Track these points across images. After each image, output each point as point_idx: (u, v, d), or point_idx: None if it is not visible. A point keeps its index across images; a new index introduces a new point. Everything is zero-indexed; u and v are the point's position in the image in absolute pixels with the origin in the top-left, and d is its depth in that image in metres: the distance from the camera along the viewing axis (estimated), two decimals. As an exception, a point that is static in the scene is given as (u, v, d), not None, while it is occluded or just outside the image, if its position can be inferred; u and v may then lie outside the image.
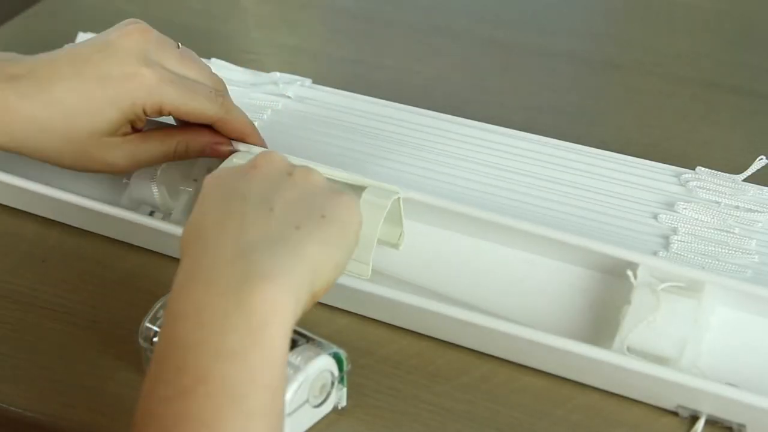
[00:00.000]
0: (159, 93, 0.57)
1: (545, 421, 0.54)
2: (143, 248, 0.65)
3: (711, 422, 0.53)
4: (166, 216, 0.63)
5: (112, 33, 0.59)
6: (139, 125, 0.60)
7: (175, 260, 0.55)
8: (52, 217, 0.68)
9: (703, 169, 0.66)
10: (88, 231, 0.67)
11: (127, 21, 0.61)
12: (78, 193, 0.64)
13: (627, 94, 0.80)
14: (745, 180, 0.65)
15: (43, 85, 0.57)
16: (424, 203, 0.60)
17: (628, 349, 0.53)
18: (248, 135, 0.62)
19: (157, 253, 0.65)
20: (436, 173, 0.67)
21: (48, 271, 0.65)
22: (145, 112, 0.58)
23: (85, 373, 0.58)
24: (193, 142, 0.61)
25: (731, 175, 0.65)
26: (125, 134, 0.59)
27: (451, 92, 0.80)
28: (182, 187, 0.63)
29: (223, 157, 0.61)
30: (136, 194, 0.64)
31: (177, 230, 0.61)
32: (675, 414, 0.54)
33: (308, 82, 0.77)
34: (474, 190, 0.66)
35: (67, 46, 0.61)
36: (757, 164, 0.65)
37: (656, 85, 0.80)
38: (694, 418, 0.53)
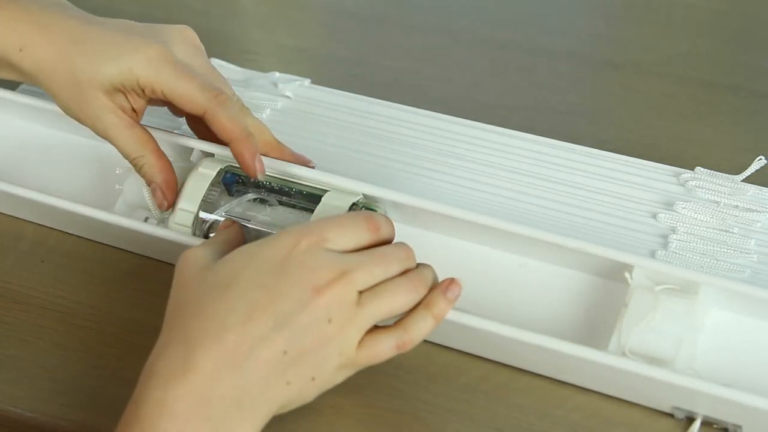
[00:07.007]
0: (155, 69, 0.58)
1: (545, 421, 0.54)
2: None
3: (707, 423, 0.53)
4: (160, 221, 0.63)
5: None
6: (135, 105, 0.60)
7: (172, 265, 0.55)
8: (48, 225, 0.68)
9: (702, 169, 0.66)
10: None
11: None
12: (73, 200, 0.63)
13: (627, 94, 0.80)
14: (744, 180, 0.65)
15: (88, 24, 0.61)
16: (416, 207, 0.59)
17: (623, 350, 0.53)
18: (235, 139, 0.57)
19: (157, 253, 0.65)
20: (434, 173, 0.67)
21: (47, 271, 0.65)
22: (140, 86, 0.59)
23: (85, 373, 0.58)
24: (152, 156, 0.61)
25: (730, 176, 0.65)
26: (122, 107, 0.60)
27: (451, 92, 0.80)
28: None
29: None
30: (130, 198, 0.64)
31: (169, 235, 0.60)
32: (671, 416, 0.54)
33: (307, 82, 0.77)
34: (474, 190, 0.66)
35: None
36: (756, 164, 0.65)
37: (656, 85, 0.80)
38: (690, 420, 0.53)
